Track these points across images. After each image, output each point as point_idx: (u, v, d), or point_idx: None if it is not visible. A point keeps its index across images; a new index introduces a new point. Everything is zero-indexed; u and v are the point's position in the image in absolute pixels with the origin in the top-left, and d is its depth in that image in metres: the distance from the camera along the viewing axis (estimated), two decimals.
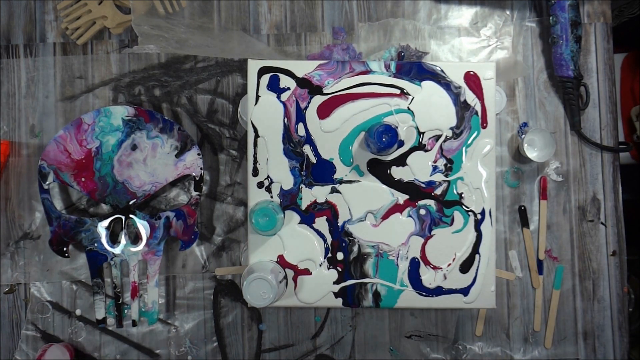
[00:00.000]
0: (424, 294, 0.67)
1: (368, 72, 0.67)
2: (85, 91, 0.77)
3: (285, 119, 0.67)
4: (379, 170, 0.67)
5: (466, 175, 0.67)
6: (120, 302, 0.74)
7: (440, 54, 0.77)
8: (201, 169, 0.74)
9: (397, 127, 0.62)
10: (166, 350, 0.76)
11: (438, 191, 0.67)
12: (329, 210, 0.67)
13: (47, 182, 0.72)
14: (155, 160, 0.73)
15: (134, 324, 0.73)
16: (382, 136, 0.60)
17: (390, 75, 0.67)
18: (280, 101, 0.67)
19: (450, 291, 0.67)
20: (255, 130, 0.67)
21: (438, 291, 0.67)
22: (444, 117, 0.67)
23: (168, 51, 0.73)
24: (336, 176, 0.67)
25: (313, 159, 0.67)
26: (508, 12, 0.78)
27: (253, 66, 0.67)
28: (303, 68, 0.67)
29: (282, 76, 0.67)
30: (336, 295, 0.67)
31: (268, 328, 0.76)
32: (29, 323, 0.75)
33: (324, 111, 0.67)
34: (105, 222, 0.72)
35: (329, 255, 0.67)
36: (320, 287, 0.67)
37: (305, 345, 0.76)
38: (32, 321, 0.76)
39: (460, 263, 0.67)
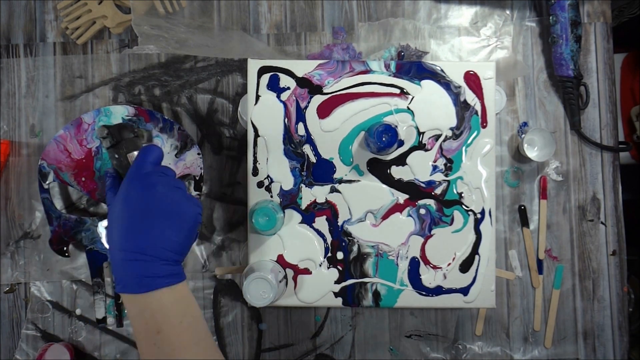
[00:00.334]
0: (423, 293, 0.67)
1: (368, 71, 0.67)
2: (85, 91, 0.77)
3: (286, 119, 0.67)
4: (379, 169, 0.67)
5: (466, 174, 0.67)
6: (120, 301, 0.74)
7: (440, 54, 0.77)
8: (201, 168, 0.74)
9: (397, 126, 0.62)
10: None
11: (438, 191, 0.67)
12: (329, 210, 0.67)
13: (47, 182, 0.72)
14: None
15: None
16: (382, 136, 0.60)
17: (390, 75, 0.67)
18: (280, 101, 0.67)
19: (450, 291, 0.67)
20: (255, 130, 0.67)
21: (438, 291, 0.67)
22: (444, 116, 0.67)
23: (168, 51, 0.74)
24: (336, 176, 0.67)
25: (313, 159, 0.67)
26: (508, 12, 0.78)
27: (253, 66, 0.67)
28: (303, 67, 0.67)
29: (282, 76, 0.67)
30: (336, 294, 0.67)
31: (268, 328, 0.76)
32: (29, 322, 0.76)
33: (324, 111, 0.67)
34: (105, 222, 0.72)
35: (329, 254, 0.67)
36: (320, 286, 0.67)
37: (305, 345, 0.76)
38: (32, 321, 0.76)
39: (460, 263, 0.67)
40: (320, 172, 0.67)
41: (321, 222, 0.67)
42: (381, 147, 0.61)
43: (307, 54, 0.77)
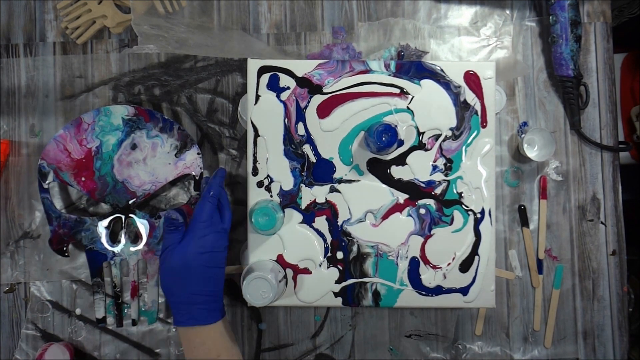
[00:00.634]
0: (423, 293, 0.67)
1: (368, 71, 0.67)
2: (85, 90, 0.77)
3: (286, 120, 0.67)
4: (379, 169, 0.67)
5: (466, 174, 0.67)
6: (120, 301, 0.74)
7: (440, 54, 0.77)
8: (201, 168, 0.74)
9: (396, 126, 0.62)
10: (166, 350, 0.76)
11: (438, 190, 0.67)
12: (329, 210, 0.67)
13: (47, 182, 0.72)
14: (155, 159, 0.73)
15: (134, 323, 0.73)
16: (382, 135, 0.60)
17: (390, 75, 0.67)
18: (280, 100, 0.67)
19: (449, 290, 0.67)
20: (255, 130, 0.67)
21: (438, 290, 0.67)
22: (444, 116, 0.67)
23: (168, 51, 0.73)
24: (336, 175, 0.67)
25: (313, 159, 0.67)
26: (508, 12, 0.78)
27: (253, 65, 0.67)
28: (303, 67, 0.67)
29: (281, 75, 0.67)
30: (336, 294, 0.67)
31: (268, 327, 0.76)
32: (29, 322, 0.76)
33: (324, 110, 0.67)
34: (105, 222, 0.72)
35: (329, 254, 0.67)
36: (320, 286, 0.67)
37: (305, 345, 0.76)
38: (32, 320, 0.76)
39: (460, 262, 0.67)
40: (320, 172, 0.67)
41: (321, 222, 0.67)
42: (381, 147, 0.61)
43: (307, 54, 0.77)
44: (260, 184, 0.67)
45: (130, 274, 0.73)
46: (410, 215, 0.67)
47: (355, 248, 0.66)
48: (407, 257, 0.67)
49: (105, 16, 0.76)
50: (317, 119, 0.67)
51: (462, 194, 0.67)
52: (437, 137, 0.67)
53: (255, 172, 0.67)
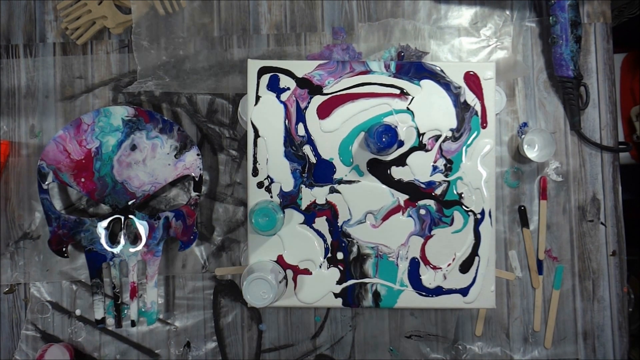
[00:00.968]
0: (423, 294, 0.67)
1: (368, 72, 0.67)
2: (85, 91, 0.77)
3: (286, 121, 0.67)
4: (379, 170, 0.67)
5: (466, 175, 0.67)
6: (119, 302, 0.74)
7: (440, 54, 0.77)
8: (200, 169, 0.73)
9: (396, 127, 0.62)
10: (166, 350, 0.75)
11: (438, 191, 0.67)
12: (329, 211, 0.67)
13: (46, 182, 0.72)
14: (155, 160, 0.73)
15: (133, 324, 0.73)
16: (382, 136, 0.60)
17: (390, 75, 0.67)
18: (281, 101, 0.67)
19: (450, 291, 0.67)
20: (256, 130, 0.67)
21: (438, 291, 0.67)
22: (444, 117, 0.67)
23: (165, 90, 0.75)
24: (336, 176, 0.67)
25: (313, 159, 0.67)
26: (508, 12, 0.78)
27: (253, 66, 0.67)
28: (303, 68, 0.67)
29: (281, 76, 0.67)
30: (336, 295, 0.67)
31: (268, 328, 0.76)
32: (28, 323, 0.75)
33: (324, 111, 0.67)
34: (105, 222, 0.72)
35: (329, 255, 0.67)
36: (320, 287, 0.67)
37: (305, 345, 0.76)
38: (32, 321, 0.75)
39: (460, 263, 0.67)
40: (320, 172, 0.67)
41: (321, 223, 0.67)
42: (381, 148, 0.61)
43: (307, 55, 0.77)
44: (260, 185, 0.67)
45: (129, 275, 0.73)
46: (410, 215, 0.67)
47: (355, 249, 0.66)
48: (407, 258, 0.67)
49: (105, 17, 0.76)
50: (317, 119, 0.67)
51: (462, 195, 0.67)
52: (437, 137, 0.67)
53: (255, 172, 0.67)
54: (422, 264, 0.67)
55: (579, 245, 0.76)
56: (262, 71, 0.67)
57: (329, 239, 0.67)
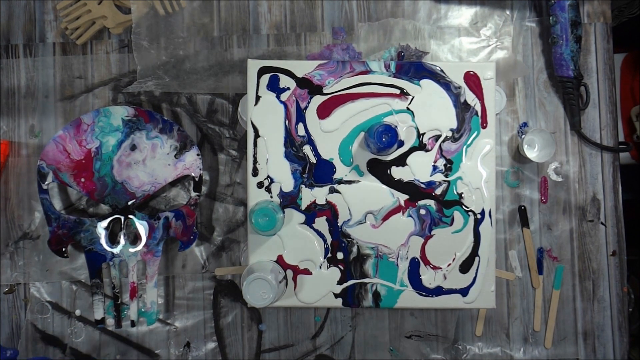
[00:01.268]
0: (423, 294, 0.67)
1: (368, 72, 0.67)
2: (84, 91, 0.77)
3: (286, 121, 0.66)
4: (379, 170, 0.67)
5: (466, 175, 0.67)
6: (119, 302, 0.74)
7: (440, 54, 0.77)
8: (200, 169, 0.73)
9: (396, 127, 0.62)
10: (166, 351, 0.75)
11: (438, 191, 0.67)
12: (329, 211, 0.67)
13: (46, 182, 0.72)
14: (155, 160, 0.73)
15: (133, 324, 0.73)
16: (382, 136, 0.60)
17: (390, 75, 0.67)
18: (280, 101, 0.67)
19: (450, 291, 0.67)
20: (256, 130, 0.67)
21: (438, 291, 0.67)
22: (444, 117, 0.67)
23: (165, 89, 0.75)
24: (336, 176, 0.67)
25: (313, 159, 0.67)
26: (508, 12, 0.78)
27: (253, 66, 0.67)
28: (303, 68, 0.67)
29: (281, 76, 0.67)
30: (336, 295, 0.67)
31: (268, 328, 0.76)
32: (28, 323, 0.75)
33: (324, 111, 0.67)
34: (104, 223, 0.72)
35: (329, 255, 0.67)
36: (321, 287, 0.67)
37: (305, 346, 0.76)
38: (32, 321, 0.75)
39: (460, 263, 0.67)
40: (320, 172, 0.67)
41: (321, 223, 0.67)
42: (381, 148, 0.61)
43: (307, 55, 0.77)
44: (260, 185, 0.67)
45: (129, 275, 0.73)
46: (410, 215, 0.67)
47: (355, 249, 0.66)
48: (407, 258, 0.67)
49: (105, 17, 0.76)
50: (317, 119, 0.67)
51: (462, 195, 0.67)
52: (437, 137, 0.67)
53: (255, 172, 0.67)
54: (422, 264, 0.67)
55: (579, 245, 0.76)
56: (262, 71, 0.67)
57: (329, 239, 0.67)
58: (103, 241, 0.72)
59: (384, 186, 0.67)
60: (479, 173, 0.67)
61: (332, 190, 0.67)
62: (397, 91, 0.67)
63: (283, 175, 0.66)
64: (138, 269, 0.74)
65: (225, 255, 0.76)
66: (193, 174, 0.74)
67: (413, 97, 0.67)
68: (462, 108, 0.67)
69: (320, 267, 0.66)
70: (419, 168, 0.67)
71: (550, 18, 0.75)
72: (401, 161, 0.67)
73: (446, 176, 0.67)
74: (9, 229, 0.76)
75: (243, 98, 0.71)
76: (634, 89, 1.10)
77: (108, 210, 0.74)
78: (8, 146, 0.76)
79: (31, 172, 0.76)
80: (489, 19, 0.78)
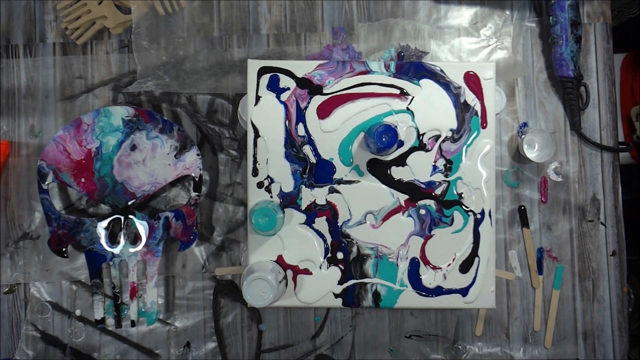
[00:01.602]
0: (423, 294, 0.67)
1: (368, 72, 0.67)
2: (85, 91, 0.77)
3: (286, 121, 0.66)
4: (379, 170, 0.67)
5: (466, 175, 0.67)
6: (119, 302, 0.74)
7: (440, 54, 0.77)
8: (200, 169, 0.73)
9: (396, 127, 0.62)
10: (166, 351, 0.75)
11: (438, 191, 0.67)
12: (329, 211, 0.67)
13: (46, 182, 0.72)
14: (155, 160, 0.73)
15: (133, 324, 0.73)
16: (382, 136, 0.60)
17: (390, 75, 0.67)
18: (281, 101, 0.67)
19: (450, 291, 0.67)
20: (256, 130, 0.67)
21: (438, 291, 0.67)
22: (444, 117, 0.67)
23: (166, 89, 0.75)
24: (336, 176, 0.67)
25: (313, 159, 0.67)
26: (508, 12, 0.78)
27: (253, 66, 0.67)
28: (303, 68, 0.67)
29: (281, 76, 0.67)
30: (336, 295, 0.67)
31: (268, 328, 0.76)
32: (28, 323, 0.75)
33: (324, 111, 0.67)
34: (105, 223, 0.72)
35: (329, 255, 0.67)
36: (321, 287, 0.67)
37: (305, 346, 0.76)
38: (32, 321, 0.75)
39: (460, 263, 0.67)
40: (320, 172, 0.67)
41: (321, 223, 0.67)
42: (381, 148, 0.61)
43: (307, 55, 0.77)
44: (260, 185, 0.67)
45: (129, 275, 0.73)
46: (410, 215, 0.67)
47: (355, 249, 0.66)
48: (407, 258, 0.67)
49: (105, 17, 0.76)
50: (317, 119, 0.67)
51: (462, 195, 0.67)
52: (437, 137, 0.67)
53: (255, 172, 0.67)
54: (422, 264, 0.67)
55: (579, 245, 0.76)
56: (262, 71, 0.67)
57: (329, 239, 0.67)
58: (103, 241, 0.72)
59: (384, 186, 0.67)
60: (478, 173, 0.67)
61: (332, 191, 0.67)
62: (397, 91, 0.67)
63: (283, 176, 0.66)
64: (138, 269, 0.74)
65: (225, 255, 0.76)
66: (193, 174, 0.74)
67: (413, 97, 0.67)
68: (462, 108, 0.67)
69: (320, 267, 0.66)
70: (418, 168, 0.67)
71: (550, 18, 0.75)
72: (401, 161, 0.67)
73: (446, 176, 0.67)
74: (9, 229, 0.76)
75: (243, 98, 0.71)
76: (634, 89, 1.10)
77: (108, 210, 0.74)
78: (8, 146, 0.76)
79: (31, 172, 0.76)
80: (489, 19, 0.78)
